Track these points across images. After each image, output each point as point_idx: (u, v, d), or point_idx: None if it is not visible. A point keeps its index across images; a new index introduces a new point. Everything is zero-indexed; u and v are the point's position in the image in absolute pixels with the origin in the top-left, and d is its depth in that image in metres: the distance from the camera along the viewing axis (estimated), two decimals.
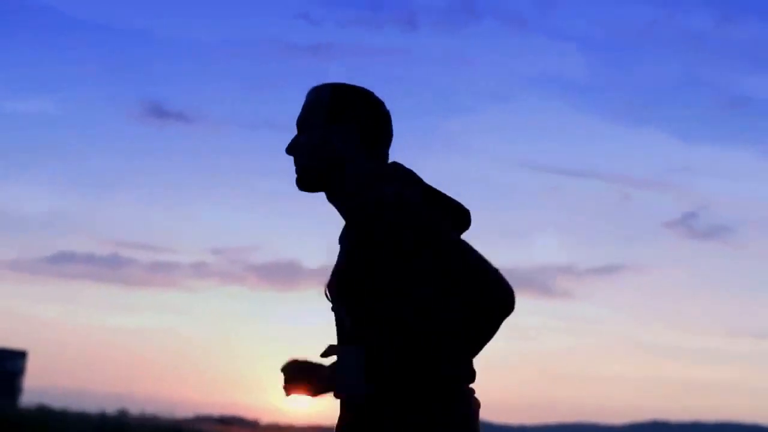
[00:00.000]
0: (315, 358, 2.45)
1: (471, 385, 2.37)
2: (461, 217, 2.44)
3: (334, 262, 2.49)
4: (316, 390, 2.46)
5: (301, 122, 2.53)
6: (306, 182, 2.51)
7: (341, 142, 2.47)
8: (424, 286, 2.30)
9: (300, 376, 2.45)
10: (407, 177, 2.43)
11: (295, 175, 2.52)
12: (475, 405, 2.37)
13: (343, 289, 2.37)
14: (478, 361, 2.36)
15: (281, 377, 2.49)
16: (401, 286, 2.31)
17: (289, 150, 2.53)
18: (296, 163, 2.52)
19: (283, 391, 2.51)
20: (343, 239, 2.48)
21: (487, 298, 2.25)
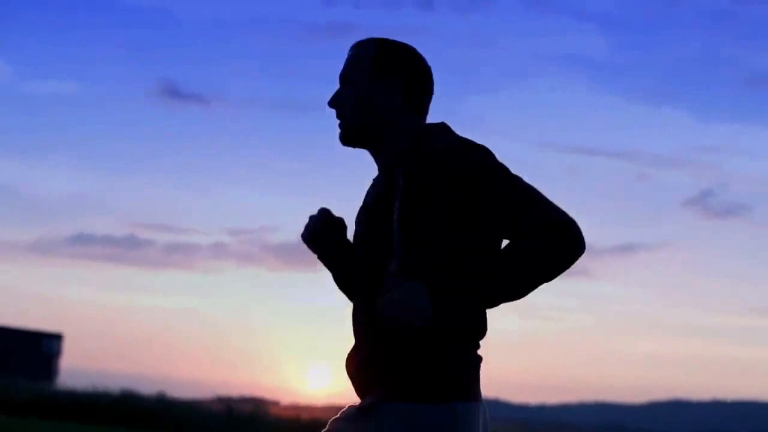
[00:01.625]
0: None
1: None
2: None
3: (366, 205, 2.53)
4: (334, 256, 2.55)
5: (345, 76, 2.52)
6: (351, 137, 2.50)
7: (388, 97, 2.47)
8: (492, 224, 2.34)
9: (326, 227, 2.52)
10: (457, 135, 2.46)
11: (338, 130, 2.51)
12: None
13: (414, 223, 2.36)
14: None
15: (309, 223, 2.54)
16: (467, 225, 2.34)
17: (332, 103, 2.52)
18: (339, 117, 2.51)
19: (303, 239, 2.55)
20: (381, 191, 2.49)
21: (565, 237, 2.32)
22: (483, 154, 2.36)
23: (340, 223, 2.55)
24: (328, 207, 2.55)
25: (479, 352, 2.41)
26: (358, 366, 2.43)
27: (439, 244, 2.33)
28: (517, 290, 2.35)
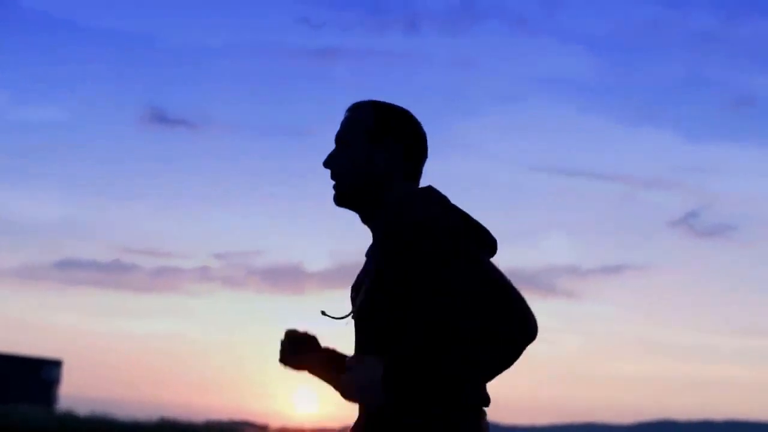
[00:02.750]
0: (312, 332, 2.60)
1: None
2: (490, 243, 2.43)
3: (360, 274, 2.53)
4: (313, 366, 2.59)
5: (341, 138, 2.51)
6: (346, 199, 2.50)
7: (383, 162, 2.46)
8: (458, 313, 2.27)
9: (299, 347, 2.58)
10: (443, 201, 2.41)
11: (333, 191, 2.51)
12: (486, 428, 2.39)
13: (371, 307, 2.37)
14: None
15: (280, 347, 2.59)
16: (435, 311, 2.30)
17: (328, 164, 2.51)
18: (334, 178, 2.51)
19: (280, 363, 2.61)
20: (371, 257, 2.49)
21: (514, 327, 2.21)
22: (456, 235, 2.30)
23: (307, 340, 2.61)
24: (293, 327, 2.61)
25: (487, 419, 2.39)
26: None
27: (399, 315, 2.32)
28: (468, 379, 2.29)
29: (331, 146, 2.56)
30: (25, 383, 38.02)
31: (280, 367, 2.61)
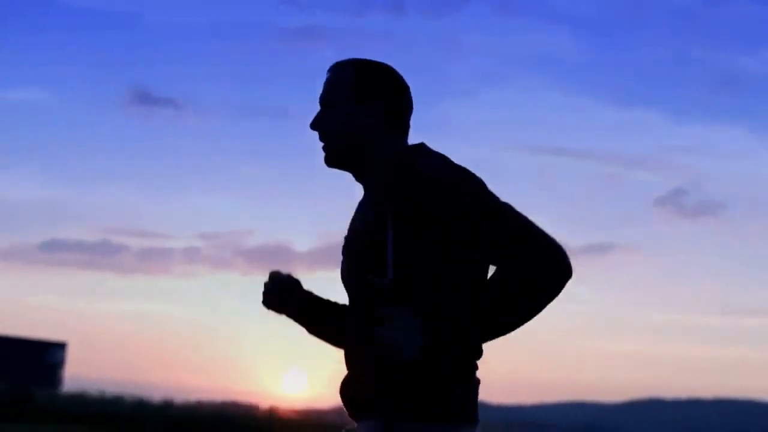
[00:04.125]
0: (296, 275, 2.60)
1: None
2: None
3: (351, 227, 2.52)
4: (295, 310, 2.60)
5: (326, 99, 2.52)
6: (336, 159, 2.51)
7: (370, 119, 2.47)
8: (479, 253, 2.32)
9: (281, 290, 2.58)
10: (439, 154, 2.44)
11: (323, 152, 2.52)
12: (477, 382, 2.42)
13: (373, 257, 2.36)
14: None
15: (263, 289, 2.59)
16: (455, 254, 2.32)
17: (315, 126, 2.52)
18: (323, 139, 2.51)
19: (264, 305, 2.60)
20: (366, 209, 2.48)
21: (553, 264, 2.27)
22: (473, 182, 2.34)
23: (291, 283, 2.62)
24: (276, 270, 2.60)
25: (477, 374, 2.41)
26: (356, 391, 2.42)
27: (427, 269, 2.33)
28: (508, 326, 2.31)
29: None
30: (30, 366, 38.03)
31: (263, 310, 2.60)
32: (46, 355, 39.09)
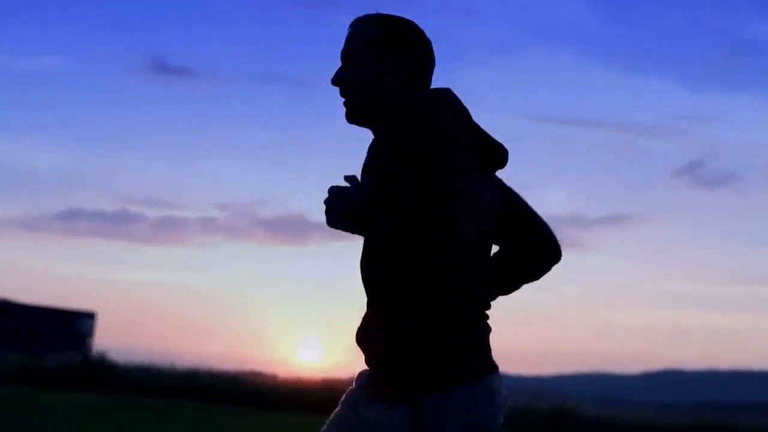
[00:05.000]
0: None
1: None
2: (497, 155, 2.47)
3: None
4: (351, 222, 2.42)
5: (347, 54, 2.51)
6: (357, 114, 2.48)
7: (391, 73, 2.46)
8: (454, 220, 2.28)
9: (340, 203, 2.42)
10: (450, 103, 2.44)
11: (344, 108, 2.50)
12: (489, 329, 2.45)
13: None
14: (490, 314, 2.44)
15: (324, 208, 2.45)
16: (424, 204, 2.27)
17: (336, 81, 2.51)
18: (344, 95, 2.50)
19: (327, 225, 2.46)
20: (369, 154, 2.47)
21: (542, 244, 2.52)
22: (437, 132, 2.32)
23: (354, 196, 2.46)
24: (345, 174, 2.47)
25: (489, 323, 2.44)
26: (366, 337, 2.45)
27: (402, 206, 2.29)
28: (501, 292, 2.50)
29: (334, 95, 2.54)
30: (59, 335, 38.29)
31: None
32: (74, 325, 39.39)
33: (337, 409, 2.52)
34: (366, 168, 2.41)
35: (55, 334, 38.62)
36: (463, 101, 2.46)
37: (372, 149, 2.42)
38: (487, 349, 2.41)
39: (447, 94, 2.45)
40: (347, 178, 2.39)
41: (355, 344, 2.49)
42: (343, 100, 2.50)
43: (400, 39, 2.48)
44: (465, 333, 2.36)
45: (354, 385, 2.52)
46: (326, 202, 2.37)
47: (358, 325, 2.48)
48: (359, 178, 2.43)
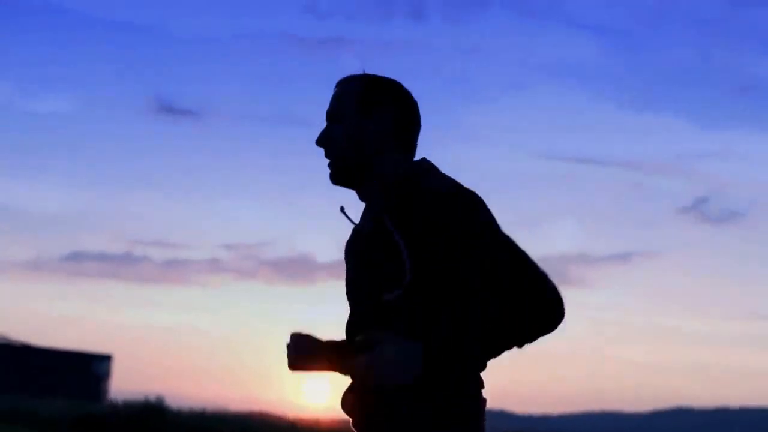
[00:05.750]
0: (318, 334, 2.45)
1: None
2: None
3: (351, 239, 2.51)
4: (322, 368, 2.42)
5: (332, 114, 2.47)
6: (342, 176, 2.46)
7: (377, 134, 2.42)
8: (477, 280, 2.27)
9: (307, 350, 2.42)
10: (444, 174, 2.42)
11: (328, 170, 2.47)
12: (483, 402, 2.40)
13: (388, 280, 2.33)
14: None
15: (286, 352, 2.44)
16: (454, 278, 2.28)
17: (321, 142, 2.47)
18: (329, 155, 2.46)
19: (288, 368, 2.45)
20: (368, 221, 2.46)
21: (547, 304, 2.30)
22: (474, 201, 2.32)
23: (308, 340, 2.44)
24: (296, 330, 2.45)
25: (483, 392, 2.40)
26: (354, 408, 2.42)
27: (427, 286, 2.30)
28: (496, 351, 2.32)
29: None
30: (75, 378, 38.34)
31: (290, 373, 2.46)
32: (92, 367, 39.46)
33: None
34: (401, 242, 2.33)
35: (73, 377, 38.67)
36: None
37: (384, 219, 2.38)
38: (481, 415, 2.38)
39: (431, 164, 2.45)
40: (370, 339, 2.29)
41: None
42: (328, 161, 2.47)
43: (387, 100, 2.45)
44: (470, 406, 2.34)
45: None
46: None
47: (344, 391, 2.45)
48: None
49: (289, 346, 2.43)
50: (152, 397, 23.76)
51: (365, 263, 2.42)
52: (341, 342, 2.45)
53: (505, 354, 2.33)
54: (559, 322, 2.34)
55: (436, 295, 2.30)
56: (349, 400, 2.43)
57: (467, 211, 2.28)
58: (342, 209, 2.50)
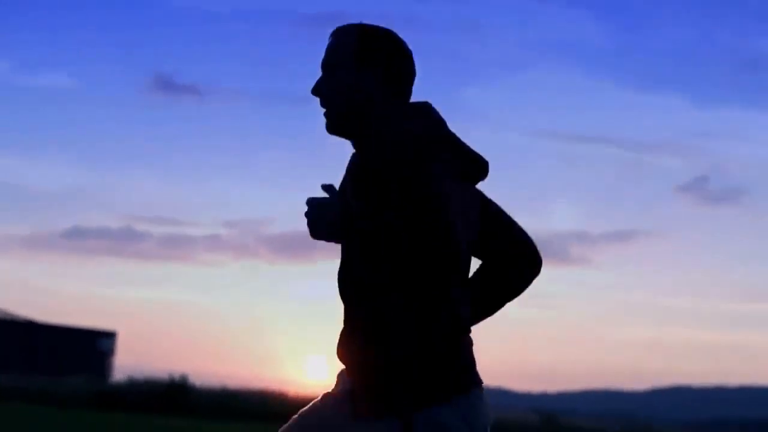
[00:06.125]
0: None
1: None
2: (477, 167, 2.45)
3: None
4: (338, 232, 2.35)
5: (327, 64, 2.50)
6: (337, 125, 2.47)
7: (371, 84, 2.45)
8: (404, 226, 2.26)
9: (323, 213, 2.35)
10: (429, 116, 2.43)
11: (324, 119, 2.49)
12: (472, 343, 2.45)
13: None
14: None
15: (306, 220, 2.39)
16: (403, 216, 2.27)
17: (316, 92, 2.49)
18: (324, 105, 2.48)
19: (311, 236, 2.38)
20: (351, 170, 2.50)
21: (522, 258, 2.47)
22: (412, 149, 2.34)
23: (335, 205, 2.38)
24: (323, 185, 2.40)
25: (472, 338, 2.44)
26: (349, 352, 2.46)
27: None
28: (485, 313, 2.49)
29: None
30: (80, 354, 38.72)
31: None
32: (96, 344, 39.90)
33: (315, 401, 2.53)
34: (350, 178, 2.47)
35: (78, 353, 39.01)
36: (441, 115, 2.47)
37: (355, 160, 2.49)
38: (473, 363, 2.42)
39: (426, 108, 2.46)
40: (325, 187, 2.37)
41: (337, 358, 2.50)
42: (323, 111, 2.50)
43: (381, 50, 2.47)
44: (453, 348, 2.37)
45: (337, 388, 2.51)
46: (307, 214, 2.33)
47: (338, 339, 2.49)
48: (337, 187, 2.46)
49: (308, 213, 2.35)
50: (176, 375, 24.21)
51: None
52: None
53: (503, 331, 2.51)
54: (534, 275, 2.51)
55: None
56: (345, 346, 2.47)
57: (406, 161, 2.31)
58: (323, 186, 2.42)
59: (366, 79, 2.46)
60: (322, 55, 2.52)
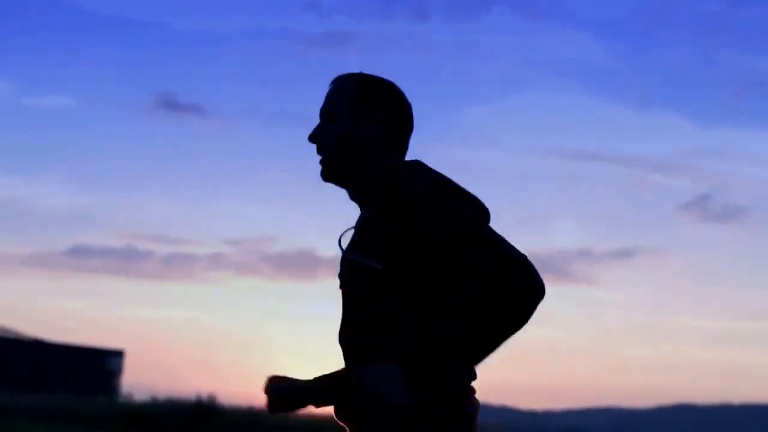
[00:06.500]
0: (294, 374, 2.44)
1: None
2: (484, 212, 2.41)
3: (345, 251, 2.47)
4: (302, 407, 2.42)
5: (327, 111, 2.47)
6: (332, 174, 2.46)
7: (369, 134, 2.43)
8: (465, 279, 2.25)
9: (284, 393, 2.41)
10: (429, 170, 2.40)
11: (320, 166, 2.47)
12: (476, 405, 2.37)
13: (374, 281, 2.33)
14: (502, 349, 2.29)
15: (265, 396, 2.41)
16: (442, 279, 2.27)
17: (313, 138, 2.47)
18: (321, 152, 2.46)
19: (268, 412, 2.44)
20: (360, 229, 2.45)
21: (523, 286, 2.21)
22: (453, 200, 2.30)
23: (287, 390, 2.43)
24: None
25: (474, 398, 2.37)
26: (350, 414, 2.39)
27: (408, 307, 2.29)
28: (489, 349, 2.27)
29: None
30: (88, 373, 38.79)
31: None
32: (105, 363, 39.92)
33: None
34: (363, 239, 2.39)
35: (87, 372, 39.08)
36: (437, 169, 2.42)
37: (366, 218, 2.42)
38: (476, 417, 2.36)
39: (421, 164, 2.43)
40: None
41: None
42: (319, 158, 2.48)
43: (382, 100, 2.45)
44: (461, 408, 2.32)
45: None
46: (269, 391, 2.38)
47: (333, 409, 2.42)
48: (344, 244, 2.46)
49: (266, 392, 2.42)
50: (204, 397, 24.19)
51: (353, 277, 2.40)
52: (319, 380, 2.43)
53: (507, 349, 2.30)
54: (537, 304, 2.27)
55: (420, 295, 2.29)
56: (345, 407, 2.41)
57: (446, 211, 2.27)
58: (339, 242, 2.48)
59: (366, 128, 2.44)
60: (325, 75, 2.51)
